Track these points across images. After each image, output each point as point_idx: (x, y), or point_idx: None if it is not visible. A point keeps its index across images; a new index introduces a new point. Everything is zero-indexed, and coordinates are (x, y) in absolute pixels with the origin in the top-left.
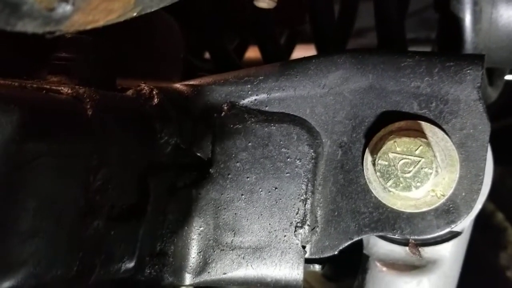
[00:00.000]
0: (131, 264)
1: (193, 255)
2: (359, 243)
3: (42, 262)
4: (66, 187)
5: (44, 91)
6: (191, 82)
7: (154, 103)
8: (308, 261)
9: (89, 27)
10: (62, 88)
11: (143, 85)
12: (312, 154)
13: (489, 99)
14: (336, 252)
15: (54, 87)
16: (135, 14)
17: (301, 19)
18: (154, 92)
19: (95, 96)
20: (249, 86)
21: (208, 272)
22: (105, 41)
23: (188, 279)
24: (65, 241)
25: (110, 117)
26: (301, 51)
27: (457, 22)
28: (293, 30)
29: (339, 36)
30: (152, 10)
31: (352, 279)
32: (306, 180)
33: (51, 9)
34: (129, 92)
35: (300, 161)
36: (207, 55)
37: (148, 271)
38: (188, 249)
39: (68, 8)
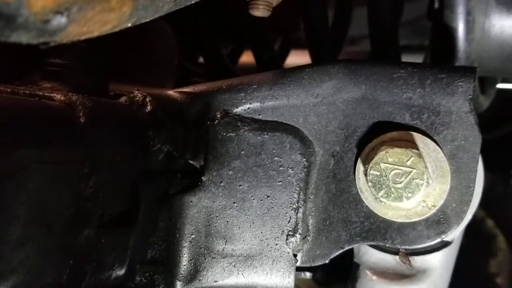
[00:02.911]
0: (121, 272)
1: (184, 263)
2: (350, 250)
3: (32, 270)
4: (57, 195)
5: (37, 98)
6: (185, 90)
7: (147, 110)
8: (299, 268)
9: (83, 37)
10: (55, 95)
11: (136, 92)
12: (305, 163)
13: (481, 107)
14: (327, 261)
15: (46, 94)
16: (129, 25)
17: (295, 26)
18: (147, 99)
19: (88, 103)
20: (242, 94)
21: (199, 280)
22: (99, 48)
23: (179, 286)
24: (56, 249)
25: (103, 124)
26: (295, 57)
27: (450, 32)
28: (287, 36)
29: (333, 43)
30: (147, 20)
31: (343, 285)
32: (298, 189)
33: (46, 21)
34: (122, 99)
35: (292, 170)
36: (201, 59)
37: (139, 278)
38: (179, 256)
39: (63, 20)
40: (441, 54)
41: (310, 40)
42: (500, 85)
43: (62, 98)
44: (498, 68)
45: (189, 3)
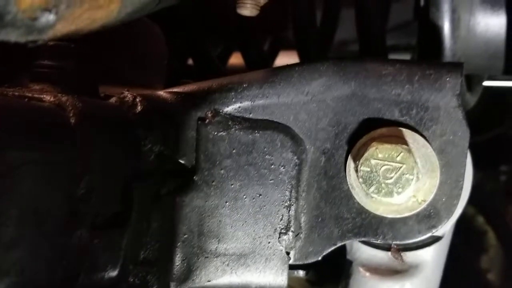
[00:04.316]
0: (114, 273)
1: (177, 263)
2: (343, 248)
3: (25, 271)
4: (49, 196)
5: (26, 99)
6: (175, 90)
7: (138, 111)
8: (292, 267)
9: (72, 36)
10: (45, 96)
11: (126, 92)
12: (296, 160)
13: (468, 105)
14: (320, 258)
15: (36, 95)
16: (118, 23)
17: (283, 26)
18: (138, 100)
19: (78, 104)
20: (233, 93)
21: (193, 280)
22: (88, 48)
23: (173, 287)
24: (48, 250)
25: (93, 125)
26: (284, 58)
27: (436, 30)
28: (276, 37)
29: (322, 43)
30: (135, 18)
31: (336, 285)
32: (290, 187)
33: (34, 19)
34: (112, 100)
35: (284, 168)
36: (190, 61)
37: (132, 279)
38: (172, 257)
39: (51, 17)
40: (427, 52)
41: (299, 40)
42: (486, 83)
43: (52, 99)
44: (484, 66)
45: (176, 2)
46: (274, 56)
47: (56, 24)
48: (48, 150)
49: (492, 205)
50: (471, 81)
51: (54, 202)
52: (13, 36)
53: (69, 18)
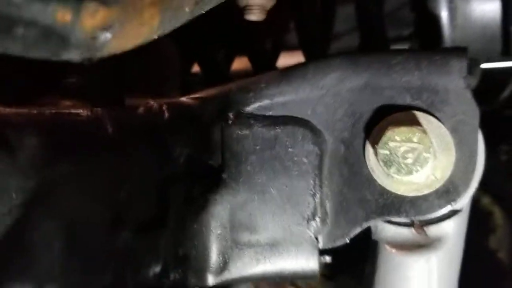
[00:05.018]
0: (157, 270)
1: (214, 257)
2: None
3: (77, 280)
4: (94, 204)
5: (65, 115)
6: (196, 95)
7: (165, 118)
8: (320, 252)
9: (119, 51)
10: (81, 110)
11: (152, 101)
12: (317, 151)
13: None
14: (347, 240)
15: (73, 111)
16: (155, 36)
17: (285, 27)
18: (164, 108)
19: (113, 115)
20: (252, 94)
21: (229, 271)
22: (113, 62)
23: (211, 279)
24: (97, 255)
25: (128, 133)
26: (284, 58)
27: (435, 20)
28: (277, 38)
29: (324, 39)
30: (169, 31)
31: (350, 277)
32: (313, 176)
33: (94, 38)
34: (140, 110)
35: (306, 159)
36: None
37: (173, 275)
38: (208, 251)
39: (108, 36)
40: (427, 42)
41: (303, 39)
42: (484, 65)
43: (89, 113)
44: (481, 50)
45: (201, 13)
46: (276, 57)
47: (111, 41)
48: (91, 161)
49: (497, 185)
50: (471, 65)
51: (100, 209)
52: (73, 55)
53: (121, 35)
